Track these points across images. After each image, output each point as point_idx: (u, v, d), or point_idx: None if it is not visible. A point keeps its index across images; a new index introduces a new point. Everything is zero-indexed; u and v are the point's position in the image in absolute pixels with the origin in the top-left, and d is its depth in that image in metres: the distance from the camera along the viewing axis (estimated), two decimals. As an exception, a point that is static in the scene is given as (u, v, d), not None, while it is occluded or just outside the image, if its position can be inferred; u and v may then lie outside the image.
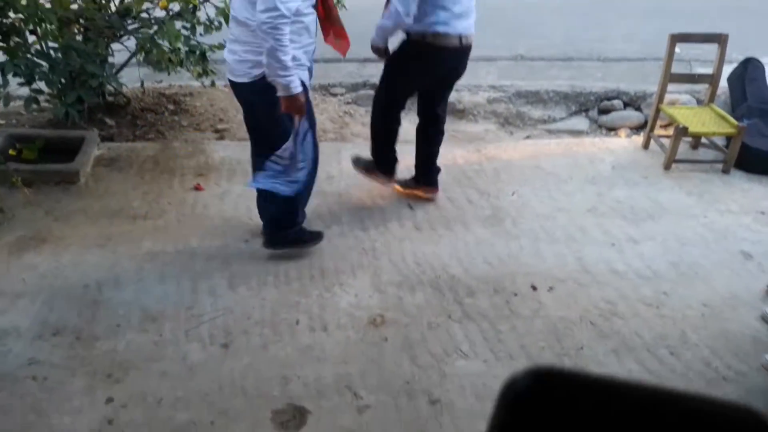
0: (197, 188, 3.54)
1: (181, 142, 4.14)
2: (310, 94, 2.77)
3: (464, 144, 4.22)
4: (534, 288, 2.81)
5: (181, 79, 5.18)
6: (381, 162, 3.44)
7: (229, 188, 3.56)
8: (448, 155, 3.79)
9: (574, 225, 3.29)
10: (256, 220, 3.24)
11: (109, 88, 4.34)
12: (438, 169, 3.49)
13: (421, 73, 3.15)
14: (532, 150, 4.14)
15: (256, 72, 2.53)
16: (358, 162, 3.54)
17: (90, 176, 3.61)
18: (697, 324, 2.62)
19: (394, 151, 3.42)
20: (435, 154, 3.43)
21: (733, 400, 0.20)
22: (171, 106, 4.78)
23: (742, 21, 5.68)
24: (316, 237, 3.04)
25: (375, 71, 5.61)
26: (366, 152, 3.52)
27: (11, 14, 2.86)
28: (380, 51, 3.10)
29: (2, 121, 4.32)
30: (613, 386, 0.20)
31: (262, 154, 2.70)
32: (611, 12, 7.05)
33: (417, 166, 3.47)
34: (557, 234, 3.21)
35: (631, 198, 3.57)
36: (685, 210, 3.48)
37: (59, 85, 3.09)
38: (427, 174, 3.46)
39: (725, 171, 3.86)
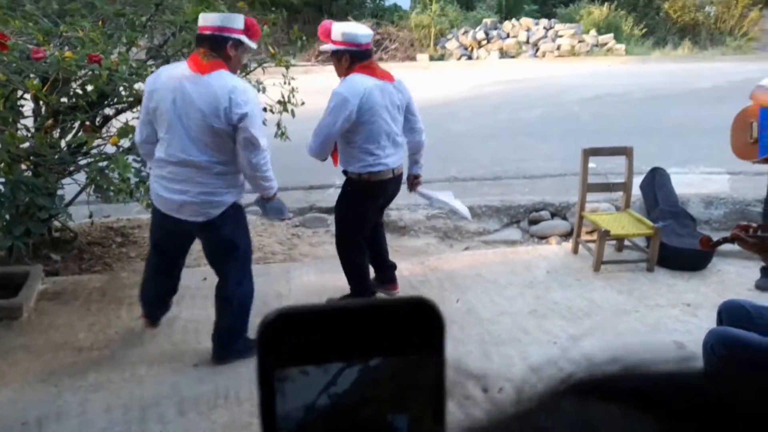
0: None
1: (129, 272, 4.15)
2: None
3: (408, 257, 4.41)
4: (485, 390, 2.87)
5: (129, 213, 5.28)
6: (359, 291, 3.58)
7: (178, 314, 3.55)
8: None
9: (517, 327, 3.43)
10: (205, 344, 3.23)
11: (56, 223, 4.38)
12: (393, 265, 3.73)
13: (366, 205, 3.45)
14: (471, 260, 4.36)
15: (217, 211, 2.79)
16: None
17: (33, 311, 3.55)
18: (642, 412, 2.71)
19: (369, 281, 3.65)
20: (386, 249, 3.72)
21: (410, 296, 0.30)
22: (119, 239, 4.82)
23: (645, 138, 6.36)
24: None
25: (320, 197, 5.89)
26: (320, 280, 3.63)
27: (-36, 154, 2.96)
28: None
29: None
30: (332, 311, 0.30)
31: (237, 282, 3.00)
32: (531, 137, 7.74)
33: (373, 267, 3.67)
34: (502, 336, 3.33)
35: (567, 299, 3.78)
36: (617, 307, 3.69)
37: (6, 219, 3.13)
38: (384, 271, 3.70)
39: (649, 269, 4.16)
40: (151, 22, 3.89)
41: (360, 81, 3.13)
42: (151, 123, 2.76)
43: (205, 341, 3.25)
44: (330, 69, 13.89)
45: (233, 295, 2.98)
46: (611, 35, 15.75)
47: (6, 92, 3.10)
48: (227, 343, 3.02)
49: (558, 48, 15.53)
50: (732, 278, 4.07)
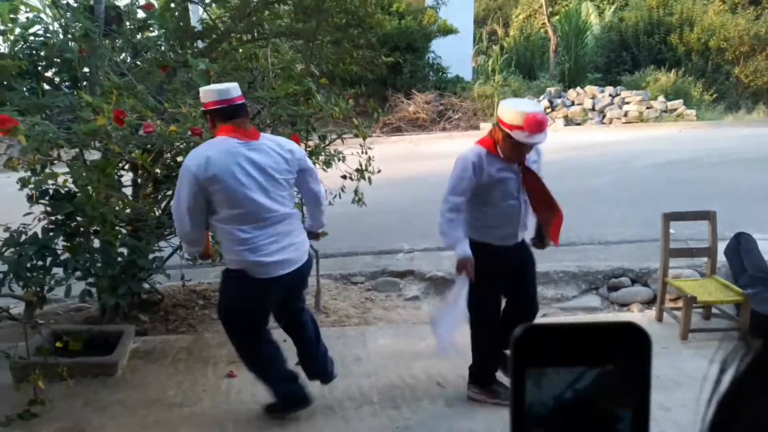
0: (231, 375, 3.63)
1: (213, 333, 4.31)
2: None
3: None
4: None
5: (208, 277, 5.53)
6: (479, 374, 3.30)
7: (261, 374, 3.64)
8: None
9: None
10: (289, 404, 3.29)
11: (145, 286, 4.64)
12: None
13: (493, 273, 3.12)
14: (550, 326, 4.28)
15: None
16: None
17: (126, 368, 3.73)
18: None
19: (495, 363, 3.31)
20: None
21: (622, 320, 0.37)
22: (201, 302, 5.03)
23: (723, 203, 6.17)
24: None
25: (390, 261, 5.99)
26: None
27: (78, 218, 3.25)
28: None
29: (42, 321, 4.53)
30: (562, 327, 0.39)
31: None
32: (603, 203, 7.64)
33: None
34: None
35: (656, 368, 3.54)
36: (712, 376, 3.51)
37: (111, 279, 3.36)
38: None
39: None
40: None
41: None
42: None
43: (288, 401, 3.30)
44: (394, 140, 14.32)
45: None
46: (680, 101, 15.57)
47: (116, 163, 3.39)
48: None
49: (625, 114, 15.45)
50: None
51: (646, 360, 0.41)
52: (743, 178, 8.52)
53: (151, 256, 3.83)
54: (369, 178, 4.62)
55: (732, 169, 9.20)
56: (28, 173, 3.27)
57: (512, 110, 2.86)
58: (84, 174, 3.26)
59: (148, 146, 3.77)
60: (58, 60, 4.46)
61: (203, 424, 3.10)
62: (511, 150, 2.94)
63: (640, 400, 0.41)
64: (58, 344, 3.41)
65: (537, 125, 2.80)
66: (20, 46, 4.45)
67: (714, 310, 4.30)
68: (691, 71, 17.11)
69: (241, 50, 4.54)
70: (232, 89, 2.74)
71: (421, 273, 5.52)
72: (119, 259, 3.44)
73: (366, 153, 4.65)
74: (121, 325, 4.17)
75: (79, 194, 3.21)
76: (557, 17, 20.58)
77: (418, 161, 11.58)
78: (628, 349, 0.41)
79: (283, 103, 3.83)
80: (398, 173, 9.72)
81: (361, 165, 4.64)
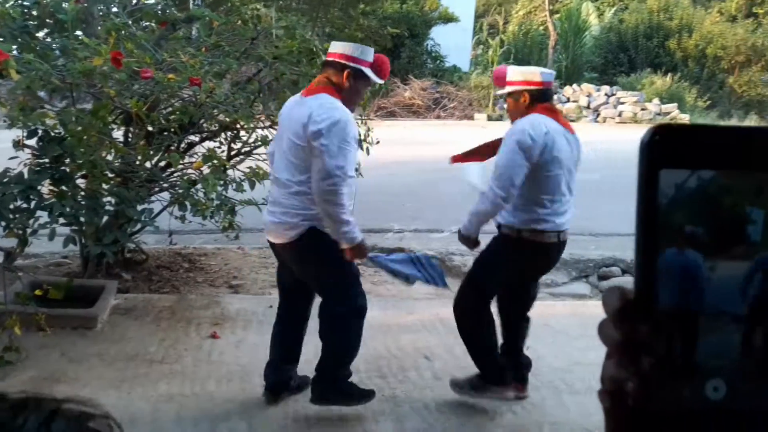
0: (213, 336, 3.55)
1: (197, 295, 4.22)
2: None
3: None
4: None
5: (194, 242, 5.43)
6: (491, 371, 2.95)
7: (245, 337, 3.57)
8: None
9: (593, 378, 3.27)
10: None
11: (130, 245, 4.52)
12: (528, 363, 3.10)
13: (513, 269, 2.92)
14: (540, 310, 4.20)
15: (292, 234, 2.60)
16: (459, 385, 2.99)
17: (107, 323, 3.63)
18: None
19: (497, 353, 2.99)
20: (522, 342, 3.17)
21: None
22: (186, 264, 4.92)
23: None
24: (366, 395, 2.80)
25: (379, 240, 5.92)
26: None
27: (67, 162, 3.13)
28: (470, 241, 2.89)
29: (21, 273, 4.40)
30: (703, 127, 0.35)
31: (334, 304, 2.70)
32: (594, 196, 7.58)
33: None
34: (577, 386, 3.20)
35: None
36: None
37: (97, 228, 3.25)
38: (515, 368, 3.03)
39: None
40: (244, 56, 4.08)
41: (542, 121, 2.71)
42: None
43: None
44: (388, 124, 14.22)
45: (323, 336, 2.74)
46: (675, 105, 15.65)
47: (111, 108, 3.27)
48: (321, 380, 2.76)
49: (620, 114, 15.51)
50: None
51: None
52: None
53: (139, 208, 3.72)
54: (367, 149, 4.53)
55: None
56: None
57: None
58: (75, 118, 3.14)
59: (144, 98, 3.66)
60: (51, 21, 4.30)
61: (184, 381, 3.01)
62: None
63: None
64: (37, 292, 3.29)
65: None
66: (11, 2, 4.28)
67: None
68: (686, 77, 17.20)
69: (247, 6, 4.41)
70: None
71: (410, 251, 5.45)
72: (107, 208, 3.33)
73: (365, 123, 4.56)
74: (102, 281, 4.06)
75: (69, 138, 3.08)
76: (557, 15, 20.54)
77: (411, 146, 11.49)
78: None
79: (286, 62, 3.72)
80: (391, 157, 9.64)
81: (359, 134, 4.54)
